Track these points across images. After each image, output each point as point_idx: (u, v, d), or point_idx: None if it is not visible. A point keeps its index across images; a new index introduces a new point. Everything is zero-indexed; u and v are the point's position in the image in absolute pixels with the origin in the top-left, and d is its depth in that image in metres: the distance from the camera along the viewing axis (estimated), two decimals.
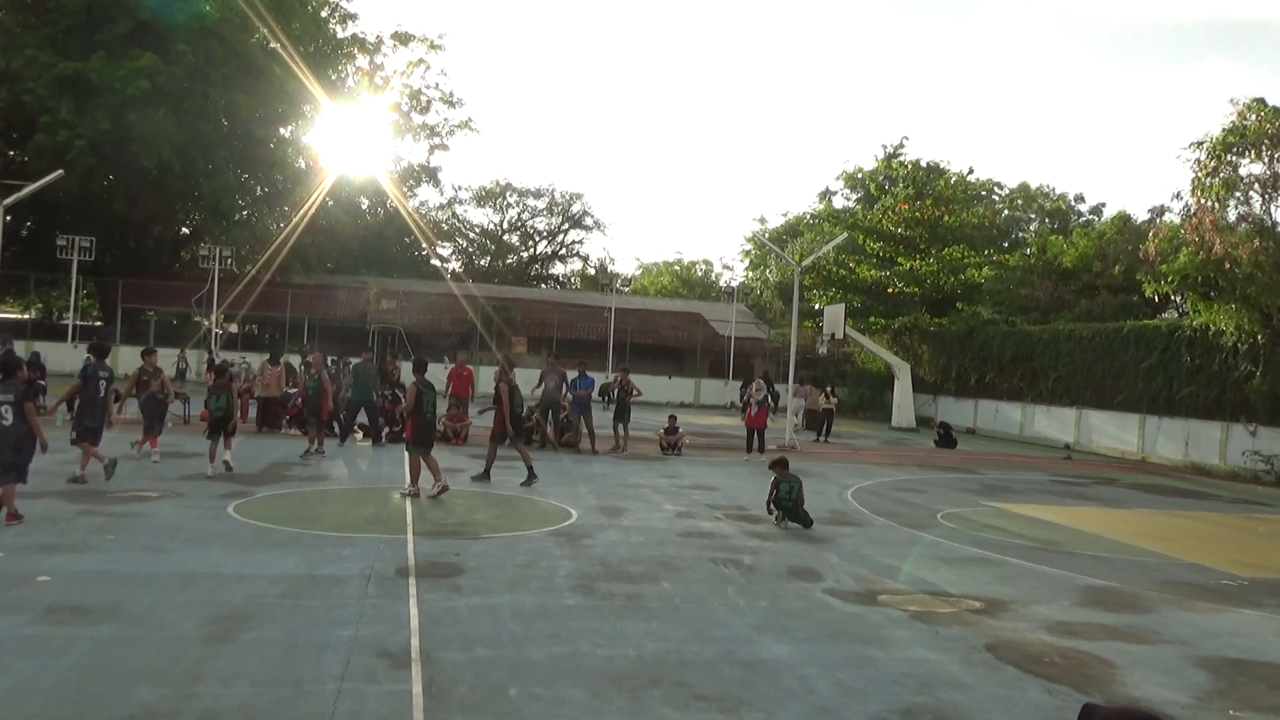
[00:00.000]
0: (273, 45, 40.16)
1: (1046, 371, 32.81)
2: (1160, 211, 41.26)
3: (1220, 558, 12.11)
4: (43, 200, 33.58)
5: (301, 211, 42.14)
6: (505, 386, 14.59)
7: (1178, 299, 33.61)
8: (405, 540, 10.02)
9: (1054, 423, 32.09)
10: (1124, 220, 42.16)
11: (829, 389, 29.40)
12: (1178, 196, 26.21)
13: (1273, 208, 23.83)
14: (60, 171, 26.09)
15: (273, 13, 37.55)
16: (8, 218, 29.62)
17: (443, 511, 12.04)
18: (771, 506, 12.48)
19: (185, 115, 37.55)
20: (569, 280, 76.36)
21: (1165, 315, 35.77)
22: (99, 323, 46.11)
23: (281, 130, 47.44)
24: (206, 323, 36.68)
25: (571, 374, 20.26)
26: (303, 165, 49.24)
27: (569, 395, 20.16)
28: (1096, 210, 59.51)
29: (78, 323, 39.56)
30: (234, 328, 43.26)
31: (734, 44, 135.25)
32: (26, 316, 47.81)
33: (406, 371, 19.95)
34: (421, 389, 12.92)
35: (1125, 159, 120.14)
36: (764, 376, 25.71)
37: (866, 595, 8.87)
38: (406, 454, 13.12)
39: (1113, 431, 29.37)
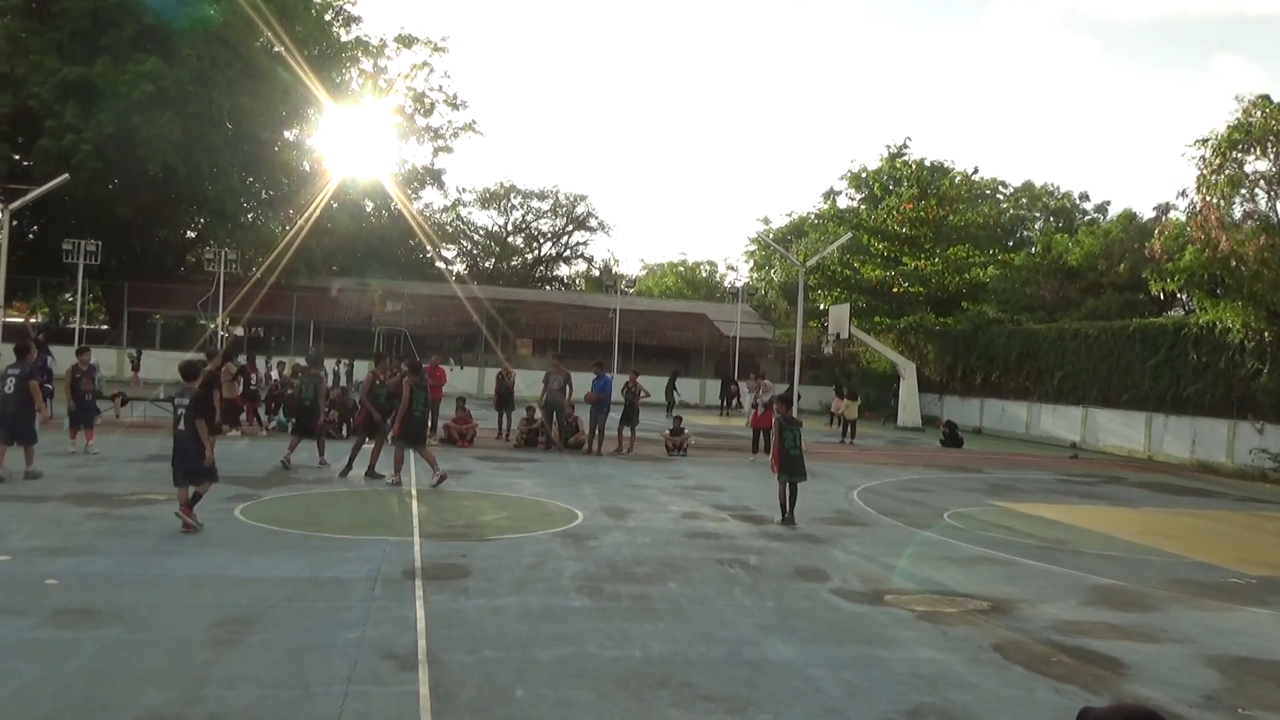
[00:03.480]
0: (277, 49, 40.23)
1: (1052, 370, 32.75)
2: (1165, 209, 41.29)
3: (1228, 556, 12.08)
4: (49, 204, 33.67)
5: (306, 214, 42.22)
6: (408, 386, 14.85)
7: (1184, 297, 33.52)
8: (412, 542, 10.02)
9: (1060, 422, 32.03)
10: (1129, 218, 42.06)
11: (840, 389, 29.23)
12: (1183, 194, 26.22)
13: (1278, 204, 23.78)
14: (66, 175, 26.12)
15: (276, 16, 37.61)
16: (14, 222, 29.73)
17: (449, 513, 12.04)
18: (782, 498, 12.57)
19: (190, 119, 37.62)
20: (574, 282, 76.39)
21: (1171, 313, 35.67)
22: (105, 326, 46.22)
23: (286, 133, 47.54)
24: (212, 325, 36.71)
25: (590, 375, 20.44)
26: (307, 168, 49.33)
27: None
28: (1101, 208, 59.35)
29: (84, 326, 39.60)
30: (240, 330, 43.33)
31: (738, 44, 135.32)
32: (33, 320, 47.94)
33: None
34: (413, 388, 13.90)
35: (1130, 157, 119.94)
36: (726, 377, 25.58)
37: (873, 595, 8.86)
38: (394, 448, 14.15)
39: (1119, 430, 29.31)
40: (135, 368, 29.94)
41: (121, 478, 13.26)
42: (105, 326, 46.12)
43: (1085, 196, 61.28)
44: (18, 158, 39.27)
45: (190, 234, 49.56)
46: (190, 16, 37.14)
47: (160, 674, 5.84)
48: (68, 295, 44.48)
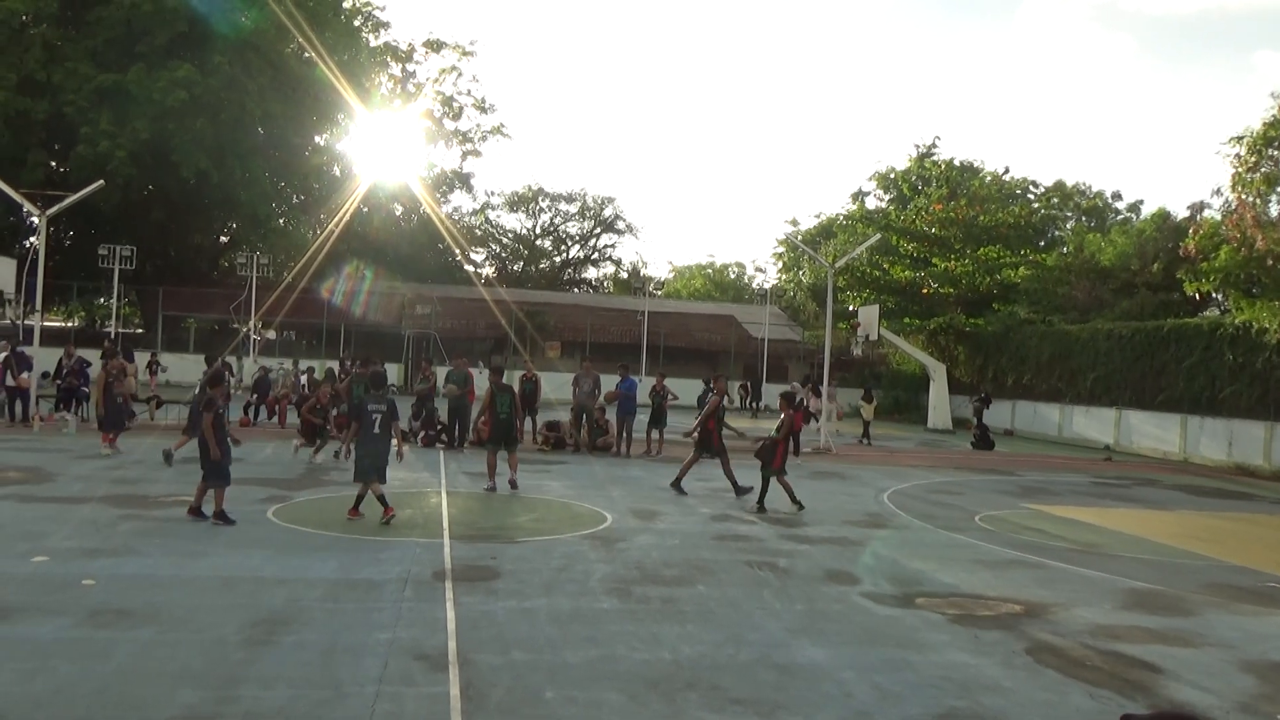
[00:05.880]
0: (307, 55, 40.64)
1: (1085, 371, 32.39)
2: (1200, 208, 40.68)
3: (1266, 560, 11.90)
4: (85, 210, 34.19)
5: (336, 218, 42.60)
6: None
7: (1219, 297, 33.07)
8: (442, 544, 10.08)
9: (1093, 423, 31.67)
10: (1163, 217, 41.48)
11: (817, 389, 28.87)
12: (1218, 192, 25.92)
13: None
14: (101, 182, 26.47)
15: (307, 22, 37.98)
16: (51, 228, 30.19)
17: (478, 515, 12.10)
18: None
19: (223, 125, 38.05)
20: (602, 284, 76.47)
21: (1206, 313, 35.17)
22: (140, 330, 46.84)
23: (317, 138, 47.96)
24: (245, 329, 37.12)
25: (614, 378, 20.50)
26: (337, 173, 49.76)
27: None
28: (1134, 208, 58.74)
29: (120, 330, 40.16)
30: (272, 334, 43.79)
31: (766, 45, 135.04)
32: (70, 324, 48.71)
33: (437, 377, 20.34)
34: (496, 391, 14.12)
35: (1165, 155, 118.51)
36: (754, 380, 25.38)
37: (904, 598, 8.80)
38: (486, 452, 14.43)
39: (1153, 432, 28.93)
40: (152, 373, 30.30)
41: (157, 480, 13.43)
42: (140, 330, 46.74)
43: (1118, 195, 60.79)
44: (54, 164, 39.92)
45: (223, 239, 50.17)
46: (231, 23, 37.60)
47: (195, 673, 5.91)
48: (103, 300, 45.14)
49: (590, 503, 13.40)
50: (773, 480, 13.53)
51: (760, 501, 13.53)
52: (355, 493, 11.29)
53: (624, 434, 20.07)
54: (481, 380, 22.15)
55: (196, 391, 15.07)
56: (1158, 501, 17.78)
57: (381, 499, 11.08)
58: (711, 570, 9.55)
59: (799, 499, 13.56)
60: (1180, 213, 42.07)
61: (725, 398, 15.58)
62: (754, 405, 39.00)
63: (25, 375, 19.86)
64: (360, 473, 11.22)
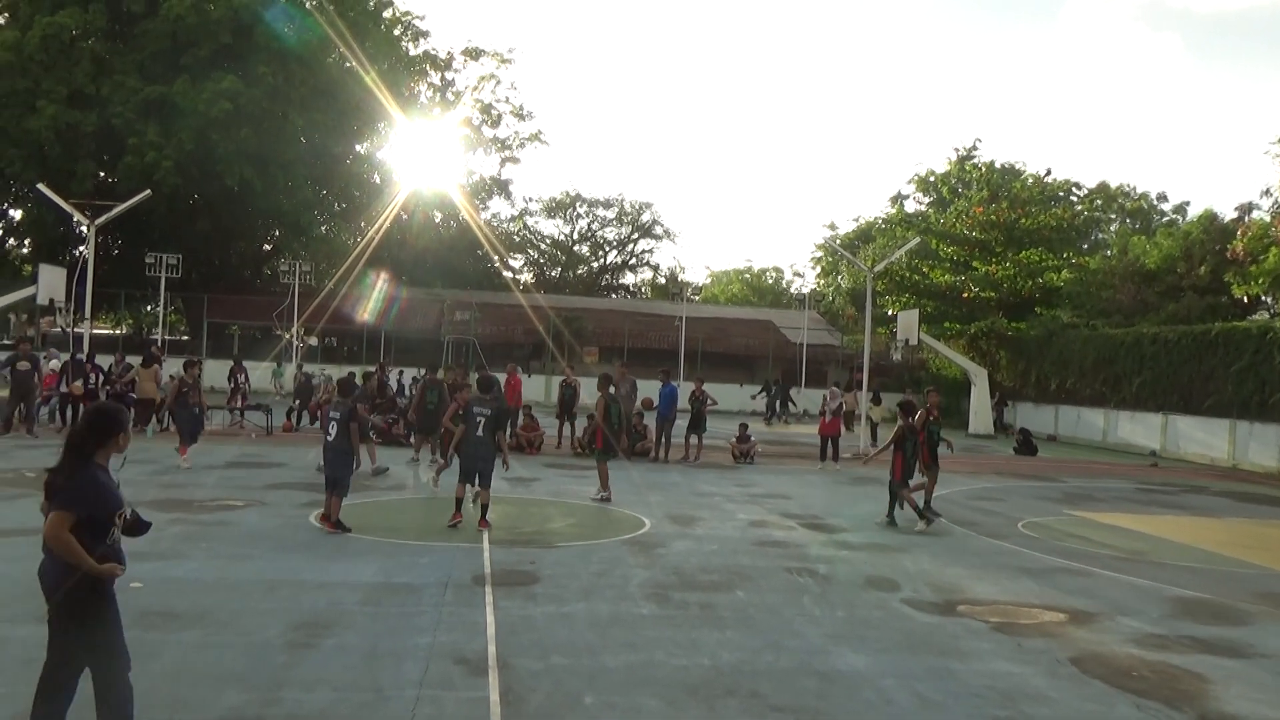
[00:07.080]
0: (349, 64, 41.16)
1: (1130, 376, 31.88)
2: (1248, 209, 39.95)
3: None
4: (132, 219, 34.86)
5: (377, 225, 43.05)
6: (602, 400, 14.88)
7: (1269, 299, 32.41)
8: (481, 549, 10.13)
9: (1138, 429, 31.14)
10: (1210, 219, 40.68)
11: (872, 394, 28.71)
12: (1267, 193, 25.43)
13: None
14: (148, 192, 26.97)
15: (349, 32, 38.50)
16: (100, 237, 30.81)
17: (518, 520, 12.15)
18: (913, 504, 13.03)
19: (265, 135, 38.64)
20: (639, 290, 76.56)
21: (1255, 317, 34.47)
22: (186, 337, 47.63)
23: (357, 147, 48.54)
24: (288, 336, 37.61)
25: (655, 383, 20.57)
26: (378, 180, 50.29)
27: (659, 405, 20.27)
28: (1180, 209, 57.78)
29: (166, 337, 40.86)
30: (314, 340, 44.34)
31: (805, 48, 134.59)
32: (118, 332, 49.67)
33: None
34: (609, 402, 14.19)
35: (1212, 155, 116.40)
36: (836, 383, 25.22)
37: (945, 606, 8.71)
38: (597, 463, 14.32)
39: (1201, 438, 28.39)
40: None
41: (203, 484, 13.64)
42: (186, 337, 47.55)
43: (1163, 197, 59.78)
44: (103, 175, 40.77)
45: (266, 246, 50.90)
46: (274, 34, 38.20)
47: (240, 675, 5.99)
48: (150, 307, 45.98)
49: (628, 508, 13.40)
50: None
51: (890, 514, 13.21)
52: (392, 498, 11.38)
53: (663, 439, 20.07)
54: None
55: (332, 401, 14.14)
56: (1206, 508, 17.45)
57: (459, 503, 11.21)
58: (750, 576, 9.52)
59: (926, 513, 12.97)
60: (1228, 214, 41.27)
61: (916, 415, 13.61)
62: (781, 410, 38.73)
63: (79, 383, 20.32)
64: (465, 474, 11.25)
